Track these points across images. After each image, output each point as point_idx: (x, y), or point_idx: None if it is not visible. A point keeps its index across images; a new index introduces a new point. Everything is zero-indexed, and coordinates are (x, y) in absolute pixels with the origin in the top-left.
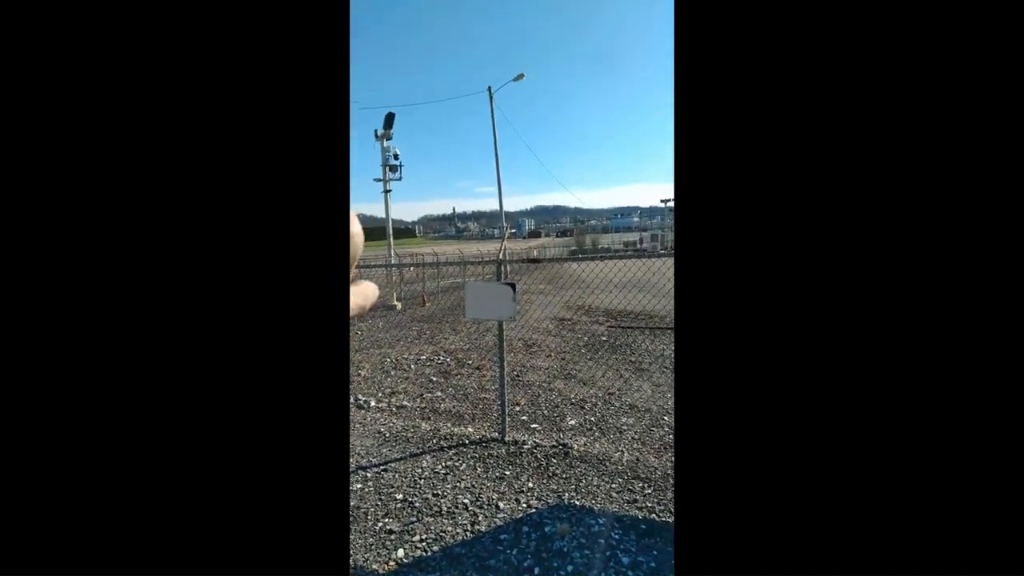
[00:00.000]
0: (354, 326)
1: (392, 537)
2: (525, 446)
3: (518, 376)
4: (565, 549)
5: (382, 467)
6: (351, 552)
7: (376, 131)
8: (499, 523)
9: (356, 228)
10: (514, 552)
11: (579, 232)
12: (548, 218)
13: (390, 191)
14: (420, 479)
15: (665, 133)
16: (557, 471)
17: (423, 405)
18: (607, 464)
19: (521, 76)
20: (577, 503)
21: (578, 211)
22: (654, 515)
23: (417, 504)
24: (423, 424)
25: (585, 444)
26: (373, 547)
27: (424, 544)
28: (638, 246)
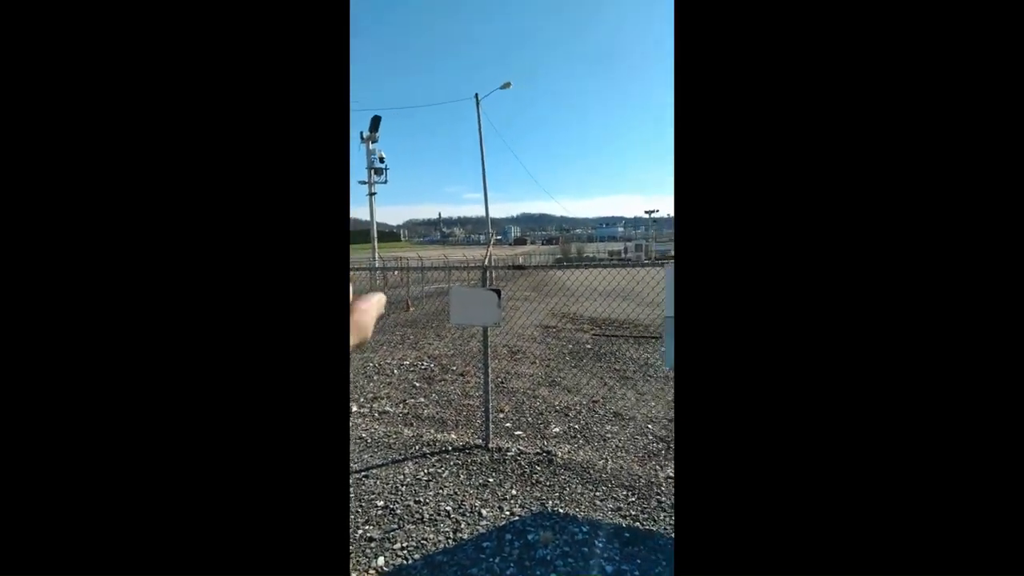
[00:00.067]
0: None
1: (372, 545)
2: (509, 453)
3: (503, 383)
4: (548, 557)
5: (363, 473)
6: None
7: (362, 133)
8: (482, 531)
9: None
10: (496, 560)
11: (565, 241)
12: (534, 226)
13: (375, 194)
14: (402, 486)
15: (650, 145)
16: (541, 478)
17: (406, 411)
18: (591, 472)
19: (508, 84)
20: (561, 511)
21: (563, 220)
22: (638, 523)
23: (398, 511)
24: (405, 430)
25: (569, 451)
26: (353, 555)
27: (405, 552)
28: (623, 255)
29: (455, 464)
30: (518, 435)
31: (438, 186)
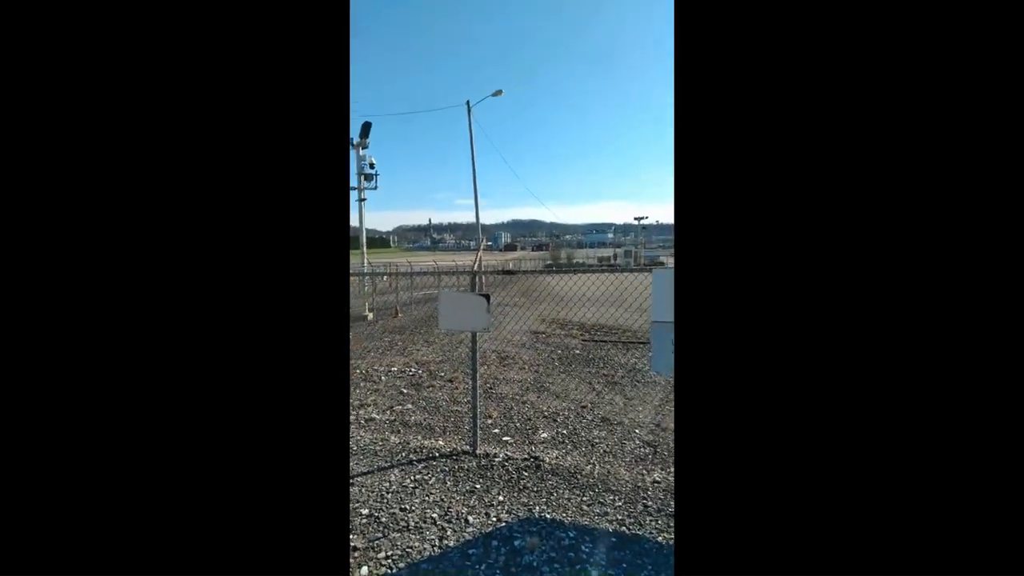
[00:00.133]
0: None
1: (356, 554)
2: (496, 459)
3: (491, 388)
4: (535, 563)
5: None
6: None
7: (352, 139)
8: (468, 538)
9: None
10: (483, 567)
11: (555, 247)
12: (524, 232)
13: (365, 200)
14: (387, 493)
15: (642, 152)
16: (528, 484)
17: (393, 418)
18: (578, 477)
19: (499, 92)
20: (548, 516)
21: (554, 226)
22: (624, 528)
23: (383, 519)
24: (392, 437)
25: (557, 457)
26: None
27: (390, 561)
28: (612, 262)
29: (442, 471)
30: (506, 441)
31: (428, 192)
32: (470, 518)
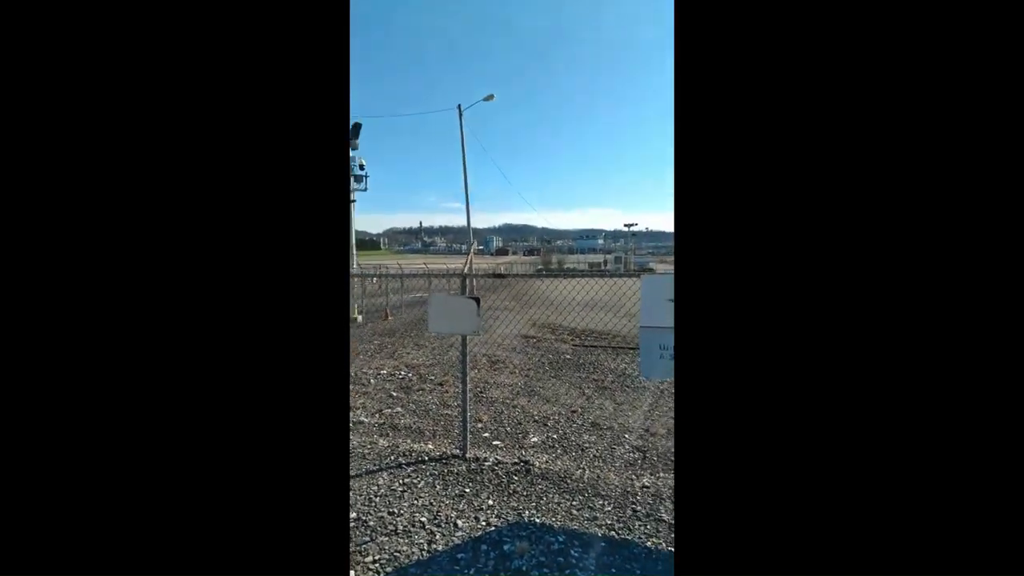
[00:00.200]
0: None
1: None
2: (486, 463)
3: (482, 392)
4: (524, 567)
5: None
6: None
7: None
8: (457, 542)
9: None
10: (471, 572)
11: (546, 252)
12: (516, 236)
13: (355, 201)
14: (375, 497)
15: (633, 159)
16: (518, 488)
17: (382, 421)
18: (568, 481)
19: (491, 97)
20: (537, 521)
21: (545, 231)
22: (613, 532)
23: (371, 523)
24: (381, 441)
25: (547, 461)
26: None
27: (377, 565)
28: (603, 267)
29: (431, 475)
30: (496, 445)
31: (419, 194)
32: (459, 522)
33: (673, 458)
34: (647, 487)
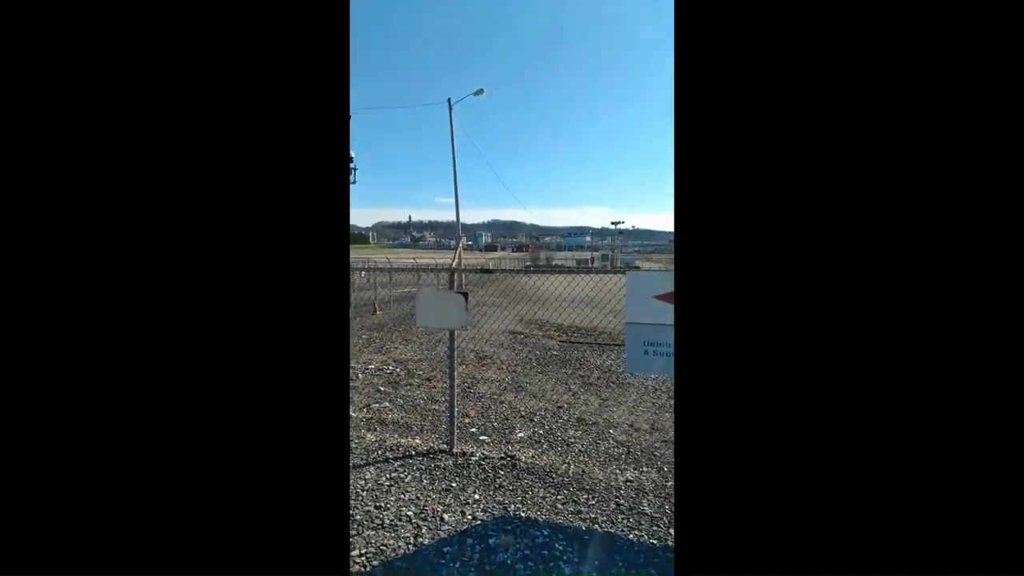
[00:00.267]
0: None
1: None
2: (473, 458)
3: (469, 388)
4: (509, 561)
5: None
6: None
7: None
8: (443, 535)
9: None
10: (457, 565)
11: (535, 248)
12: (505, 232)
13: None
14: (362, 491)
15: (618, 160)
16: (504, 483)
17: (369, 416)
18: (553, 476)
19: (481, 91)
20: (523, 514)
21: (534, 228)
22: (596, 525)
23: (358, 517)
24: (368, 435)
25: (533, 456)
26: None
27: (363, 559)
28: (590, 264)
29: (418, 469)
30: (483, 440)
31: (409, 189)
32: (445, 516)
33: (656, 453)
34: (630, 481)
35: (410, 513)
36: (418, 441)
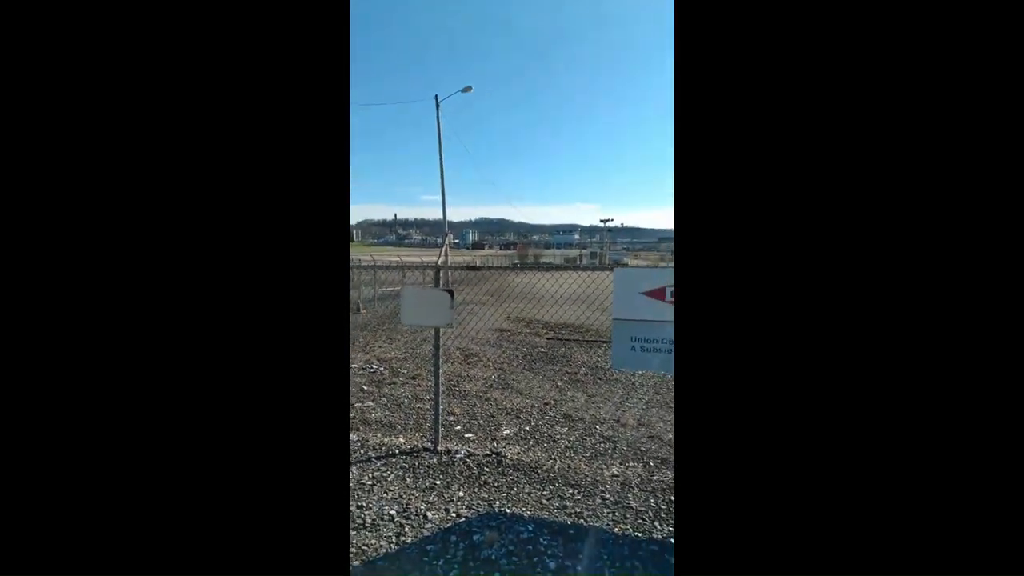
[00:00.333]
0: None
1: None
2: (458, 455)
3: (455, 386)
4: (493, 557)
5: None
6: None
7: None
8: (426, 534)
9: None
10: (440, 563)
11: (522, 246)
12: (492, 230)
13: None
14: None
15: (607, 158)
16: (489, 479)
17: (352, 415)
18: (539, 472)
19: (469, 88)
20: (508, 511)
21: (522, 226)
22: (582, 520)
23: None
24: (350, 435)
25: (519, 453)
26: None
27: None
28: (578, 262)
29: (401, 468)
30: (468, 437)
31: (394, 186)
32: (429, 514)
33: (642, 448)
34: (616, 476)
35: (393, 512)
36: (402, 440)
